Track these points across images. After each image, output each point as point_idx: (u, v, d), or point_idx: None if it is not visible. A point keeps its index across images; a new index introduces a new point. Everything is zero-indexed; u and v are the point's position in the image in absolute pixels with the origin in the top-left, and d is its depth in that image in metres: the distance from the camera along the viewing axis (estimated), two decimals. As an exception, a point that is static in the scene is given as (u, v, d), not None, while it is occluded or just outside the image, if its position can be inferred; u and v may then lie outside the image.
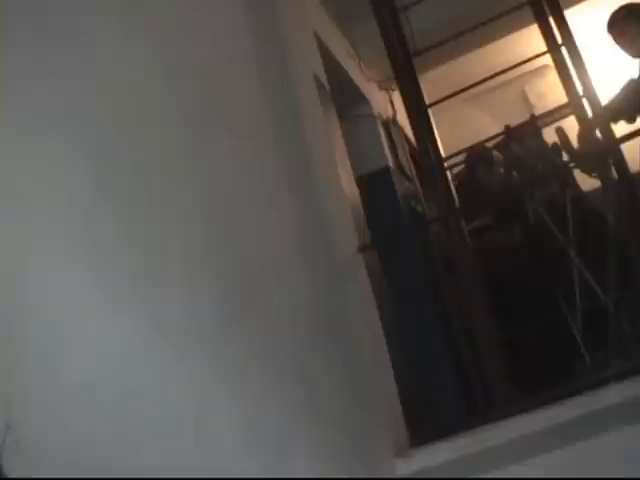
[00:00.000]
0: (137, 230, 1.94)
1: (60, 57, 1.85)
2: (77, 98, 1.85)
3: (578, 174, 5.35)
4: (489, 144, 5.27)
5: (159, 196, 2.08)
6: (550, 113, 5.06)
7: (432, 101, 4.24)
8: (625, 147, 3.61)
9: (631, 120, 4.69)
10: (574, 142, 5.04)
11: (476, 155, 5.54)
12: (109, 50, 2.07)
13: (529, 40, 5.09)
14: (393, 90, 6.08)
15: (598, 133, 3.67)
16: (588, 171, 4.94)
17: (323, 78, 4.18)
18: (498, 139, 5.31)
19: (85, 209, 1.76)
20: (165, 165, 2.16)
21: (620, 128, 3.80)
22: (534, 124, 5.52)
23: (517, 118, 6.17)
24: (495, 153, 5.73)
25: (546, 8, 3.93)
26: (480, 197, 5.60)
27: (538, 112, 6.39)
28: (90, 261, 1.71)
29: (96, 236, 1.77)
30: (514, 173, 5.64)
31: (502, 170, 5.78)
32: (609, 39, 5.16)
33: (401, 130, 6.28)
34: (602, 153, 3.74)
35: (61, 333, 1.54)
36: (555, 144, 5.43)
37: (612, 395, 2.98)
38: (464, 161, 5.39)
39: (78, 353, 1.56)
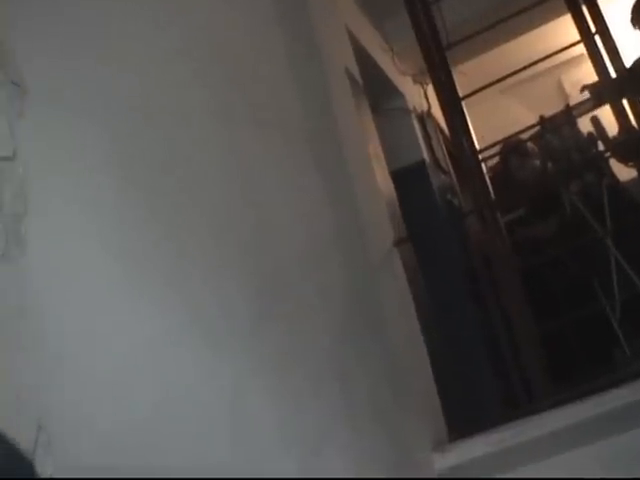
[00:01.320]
0: (167, 225, 1.95)
1: (86, 48, 1.86)
2: (104, 90, 1.85)
3: (614, 164, 5.31)
4: (524, 135, 5.23)
5: (190, 191, 2.08)
6: (586, 102, 5.01)
7: (466, 93, 4.22)
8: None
9: None
10: (610, 132, 5.00)
11: (511, 147, 5.51)
12: (137, 41, 2.07)
13: (564, 30, 5.06)
14: (427, 83, 6.06)
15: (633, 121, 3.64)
16: (624, 160, 4.90)
17: (355, 72, 4.18)
18: (533, 130, 5.27)
19: (114, 203, 1.76)
20: (195, 159, 2.16)
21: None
22: (569, 114, 5.47)
23: (553, 108, 6.11)
24: (530, 145, 5.70)
25: (579, -3, 3.91)
26: (515, 189, 5.57)
27: (574, 102, 6.34)
28: (122, 256, 1.72)
29: (127, 231, 1.77)
30: (549, 164, 5.60)
31: (537, 162, 5.75)
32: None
33: (436, 123, 6.26)
34: (637, 142, 3.70)
35: (94, 330, 1.55)
36: (590, 134, 5.38)
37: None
38: (499, 153, 5.36)
39: (111, 350, 1.56)
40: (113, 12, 2.02)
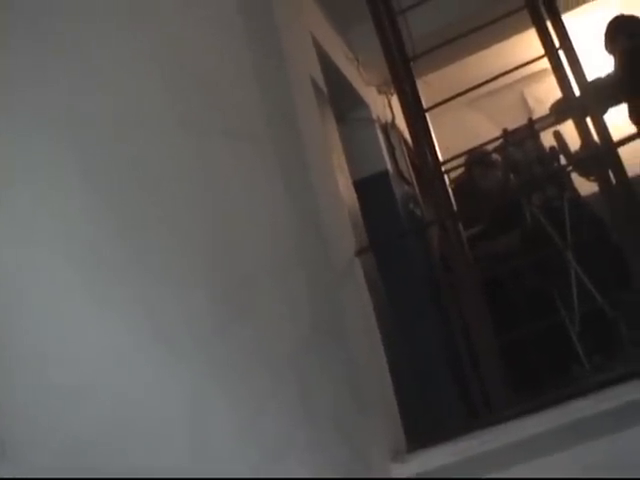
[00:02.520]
0: (132, 232, 1.94)
1: (56, 62, 1.85)
2: (74, 105, 1.84)
3: (576, 178, 5.36)
4: (487, 148, 5.27)
5: (155, 200, 2.08)
6: (548, 117, 5.05)
7: (430, 105, 4.24)
8: (622, 150, 3.61)
9: (611, 103, 4.73)
10: (572, 146, 5.06)
11: (476, 157, 5.55)
12: (105, 55, 2.07)
13: (528, 44, 5.09)
14: (392, 94, 6.08)
15: (595, 136, 3.68)
16: (586, 175, 4.95)
17: (321, 81, 4.18)
18: (496, 143, 5.31)
19: (79, 211, 1.75)
20: (161, 168, 2.15)
21: (617, 132, 3.80)
22: (532, 128, 5.52)
23: (516, 122, 6.17)
24: (494, 156, 5.75)
25: (543, 12, 3.93)
26: (478, 198, 5.61)
27: (537, 116, 6.40)
28: (83, 263, 1.71)
29: (88, 238, 1.76)
30: (512, 177, 5.65)
31: (500, 173, 5.80)
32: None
33: (399, 134, 6.29)
34: (599, 157, 3.74)
35: (53, 335, 1.54)
36: (553, 148, 5.44)
37: (609, 399, 2.98)
38: (464, 163, 5.40)
39: (70, 356, 1.56)
40: (83, 28, 2.01)
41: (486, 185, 5.72)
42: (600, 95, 4.46)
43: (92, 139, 1.90)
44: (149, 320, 1.89)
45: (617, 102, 4.87)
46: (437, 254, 5.61)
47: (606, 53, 5.20)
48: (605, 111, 4.36)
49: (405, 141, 6.32)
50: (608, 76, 5.02)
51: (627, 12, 5.29)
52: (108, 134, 2.00)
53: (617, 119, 4.69)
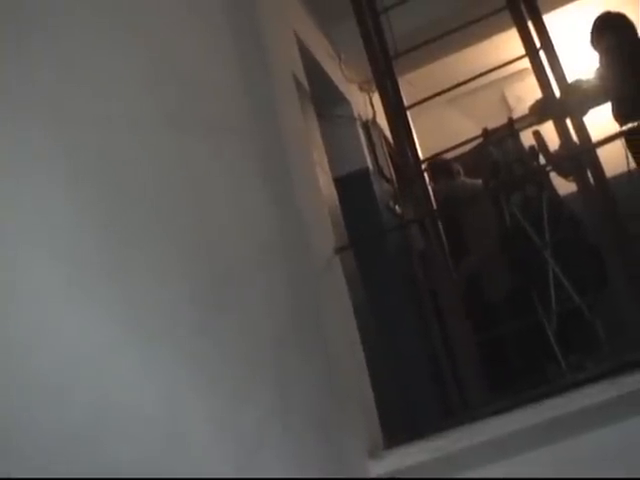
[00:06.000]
0: (112, 228, 1.94)
1: (38, 59, 1.85)
2: (55, 102, 1.84)
3: (554, 177, 5.39)
4: (467, 146, 5.29)
5: (133, 195, 2.08)
6: (528, 116, 5.08)
7: (411, 103, 4.25)
8: (601, 151, 3.64)
9: (593, 104, 4.77)
10: (551, 146, 5.09)
11: (436, 167, 5.64)
12: (86, 50, 2.07)
13: (509, 44, 5.11)
14: (373, 91, 6.09)
15: (574, 136, 3.70)
16: (564, 174, 4.98)
17: (302, 78, 4.19)
18: (476, 142, 5.33)
19: (56, 205, 1.75)
20: (142, 164, 2.15)
21: (596, 132, 3.82)
22: (512, 127, 5.55)
23: (497, 121, 6.20)
24: (455, 165, 5.86)
25: (525, 12, 3.95)
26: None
27: (517, 115, 6.43)
28: (62, 259, 1.71)
29: (67, 234, 1.76)
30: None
31: (463, 179, 5.88)
32: (586, 43, 5.24)
33: (380, 131, 6.30)
34: (578, 157, 3.76)
35: (29, 332, 1.54)
36: (532, 147, 5.47)
37: (584, 398, 3.00)
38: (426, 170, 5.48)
39: (46, 352, 1.55)
40: (63, 24, 2.01)
41: (449, 192, 5.80)
42: (581, 96, 4.49)
43: (74, 135, 1.90)
44: (127, 316, 1.89)
45: (598, 103, 4.90)
46: (416, 253, 5.63)
47: (590, 51, 5.23)
48: (586, 112, 4.39)
49: (386, 139, 6.33)
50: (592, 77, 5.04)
51: (612, 10, 5.32)
52: (90, 131, 2.00)
53: (597, 119, 4.71)
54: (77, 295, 1.72)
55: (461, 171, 6.03)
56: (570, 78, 3.97)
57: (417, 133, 4.37)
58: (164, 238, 2.17)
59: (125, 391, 1.75)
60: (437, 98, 4.35)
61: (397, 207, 6.04)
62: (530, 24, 3.91)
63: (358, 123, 5.91)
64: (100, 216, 1.91)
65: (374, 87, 4.82)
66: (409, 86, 5.35)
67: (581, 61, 5.82)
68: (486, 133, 5.55)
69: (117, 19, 2.27)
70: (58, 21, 1.97)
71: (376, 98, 5.33)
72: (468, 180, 6.02)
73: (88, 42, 2.09)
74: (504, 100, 8.10)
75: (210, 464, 2.01)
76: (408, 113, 4.11)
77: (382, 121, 5.69)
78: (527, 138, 5.53)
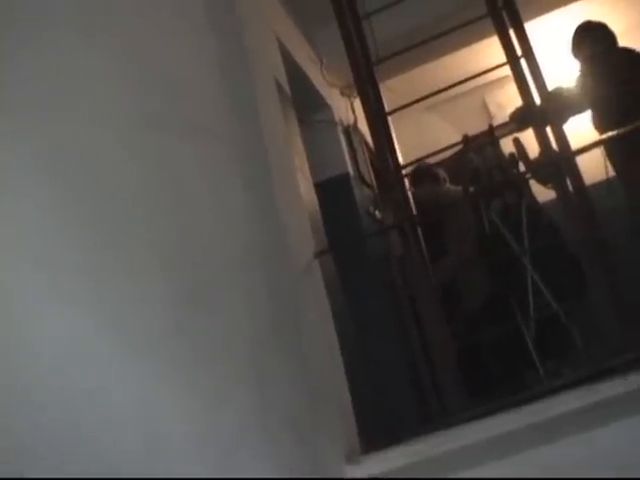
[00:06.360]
0: (91, 230, 1.93)
1: (15, 56, 1.84)
2: (33, 101, 1.83)
3: (534, 184, 5.41)
4: (448, 153, 5.30)
5: (112, 197, 2.07)
6: (508, 124, 5.10)
7: (393, 108, 4.26)
8: (580, 159, 3.65)
9: (573, 112, 4.80)
10: (531, 153, 5.11)
11: (423, 172, 5.65)
12: (66, 51, 2.06)
13: (491, 51, 5.13)
14: (354, 97, 6.10)
15: (554, 144, 3.71)
16: (543, 182, 5.00)
17: (284, 83, 4.19)
18: (456, 148, 5.35)
19: (37, 209, 1.74)
20: (121, 165, 2.15)
21: (576, 141, 3.84)
22: (492, 134, 5.57)
23: (478, 127, 6.22)
24: (441, 171, 5.88)
25: (506, 20, 3.96)
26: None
27: (498, 122, 6.45)
28: (41, 260, 1.70)
29: (47, 234, 1.76)
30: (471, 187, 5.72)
31: (448, 187, 5.90)
32: (567, 52, 5.27)
33: (361, 137, 6.30)
34: (558, 164, 3.77)
35: (8, 333, 1.53)
36: (512, 154, 5.49)
37: (561, 404, 3.01)
38: (408, 177, 5.50)
39: (24, 353, 1.55)
40: (44, 24, 2.00)
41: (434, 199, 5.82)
42: (561, 104, 4.51)
43: (54, 137, 1.89)
44: (107, 317, 1.88)
45: (578, 111, 4.93)
46: (395, 258, 5.64)
47: (571, 59, 5.26)
48: (566, 120, 4.41)
49: (367, 144, 6.33)
50: (573, 86, 5.07)
51: (593, 19, 5.35)
52: (71, 132, 1.99)
53: (577, 127, 4.74)
54: (56, 295, 1.72)
55: (447, 178, 6.04)
56: (551, 86, 4.00)
57: (398, 139, 4.38)
58: (144, 240, 2.17)
59: (103, 391, 1.74)
60: (418, 104, 4.36)
61: (377, 212, 6.04)
62: (511, 32, 3.93)
63: (339, 128, 5.91)
64: (80, 217, 1.91)
65: (355, 92, 4.83)
66: (390, 92, 5.35)
67: (562, 69, 5.84)
68: (466, 140, 5.57)
69: (99, 20, 2.27)
70: (37, 21, 1.97)
71: (357, 103, 5.33)
72: (453, 187, 6.04)
73: (68, 43, 2.08)
74: (485, 107, 8.13)
75: (188, 464, 2.00)
76: (389, 119, 4.12)
77: (363, 126, 5.70)
78: (507, 145, 5.55)
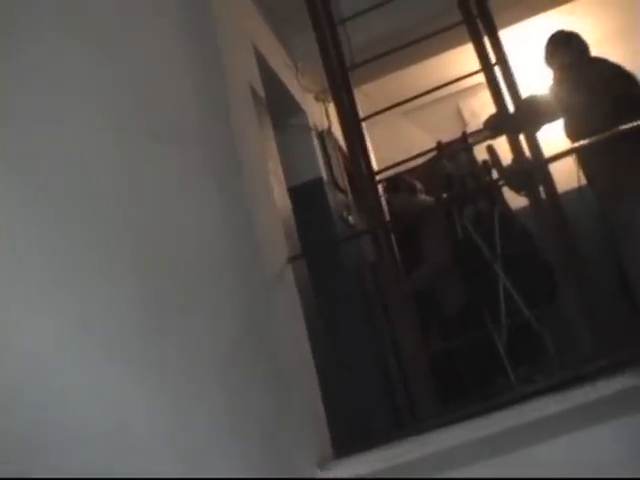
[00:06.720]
0: (62, 233, 1.92)
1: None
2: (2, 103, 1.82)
3: (506, 192, 5.43)
4: (422, 159, 5.32)
5: (81, 201, 2.06)
6: (482, 131, 5.12)
7: (367, 114, 4.26)
8: (553, 167, 3.67)
9: (546, 120, 4.82)
10: (504, 160, 5.13)
11: (400, 181, 5.67)
12: (36, 51, 2.05)
13: (465, 58, 5.15)
14: (329, 102, 6.10)
15: (527, 151, 3.73)
16: (516, 189, 5.02)
17: (259, 87, 4.18)
18: (430, 154, 5.36)
19: (7, 210, 1.73)
20: (91, 169, 2.14)
21: (549, 148, 3.86)
22: (466, 141, 5.60)
23: (451, 134, 6.25)
24: (418, 182, 5.90)
25: (481, 27, 3.99)
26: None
27: (472, 129, 6.48)
28: (9, 261, 1.69)
29: (15, 236, 1.74)
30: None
31: (424, 198, 5.91)
32: (540, 60, 5.31)
33: (335, 142, 6.30)
34: (530, 172, 3.80)
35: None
36: (485, 162, 5.51)
37: (533, 411, 3.02)
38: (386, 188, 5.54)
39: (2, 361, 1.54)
40: (20, 26, 1.99)
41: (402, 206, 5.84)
42: (534, 112, 4.54)
43: (22, 136, 1.88)
44: (80, 320, 1.87)
45: (551, 119, 4.95)
46: (367, 264, 5.65)
47: (545, 67, 5.30)
48: (539, 128, 4.43)
49: (341, 149, 6.33)
50: (546, 94, 5.10)
51: (566, 29, 5.39)
52: (40, 132, 1.98)
53: (550, 135, 4.76)
54: (29, 299, 1.71)
55: (423, 190, 6.06)
56: (524, 94, 4.02)
57: (372, 144, 4.39)
58: (115, 241, 2.16)
59: (74, 392, 1.74)
60: (392, 110, 4.37)
61: (351, 218, 6.05)
62: (486, 39, 3.95)
63: (313, 133, 5.91)
64: (52, 218, 1.90)
65: (330, 97, 4.83)
66: (365, 97, 5.36)
67: (535, 77, 5.87)
68: (440, 146, 5.59)
69: (69, 23, 2.25)
70: (9, 22, 1.96)
71: (332, 108, 5.34)
72: (428, 198, 6.05)
73: (39, 46, 2.07)
74: (459, 114, 8.16)
75: (158, 464, 2.00)
76: (363, 124, 4.12)
77: (337, 131, 5.70)
78: (481, 152, 5.57)
